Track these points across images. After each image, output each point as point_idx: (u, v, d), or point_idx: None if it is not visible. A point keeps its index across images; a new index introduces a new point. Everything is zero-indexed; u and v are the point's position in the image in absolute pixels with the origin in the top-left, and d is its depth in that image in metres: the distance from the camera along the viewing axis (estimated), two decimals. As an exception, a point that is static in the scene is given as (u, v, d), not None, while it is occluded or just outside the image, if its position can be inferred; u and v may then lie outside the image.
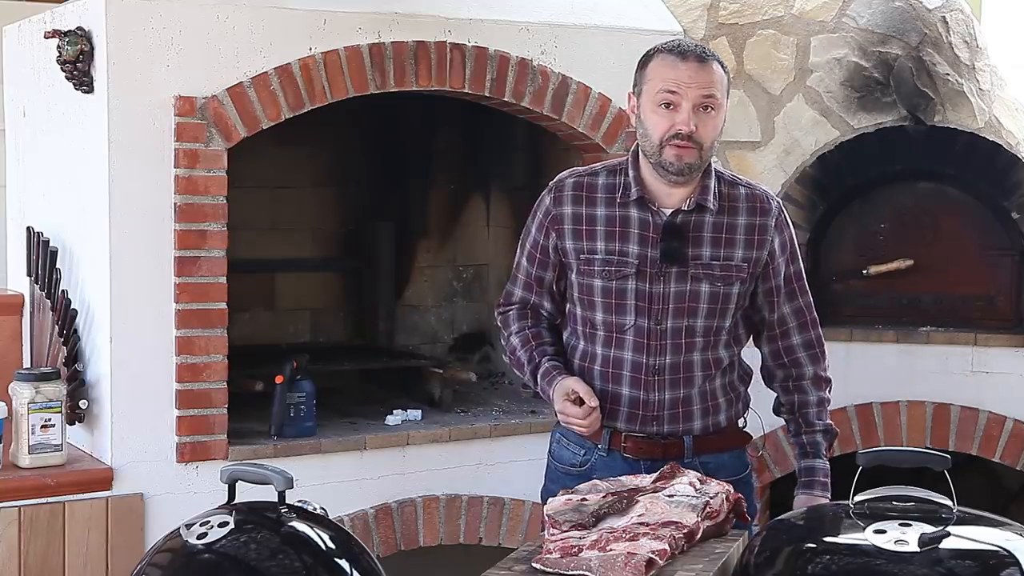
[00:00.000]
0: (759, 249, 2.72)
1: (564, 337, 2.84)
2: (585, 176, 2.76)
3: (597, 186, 2.73)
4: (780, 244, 2.75)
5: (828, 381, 2.85)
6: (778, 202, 2.78)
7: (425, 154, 4.78)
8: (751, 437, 2.88)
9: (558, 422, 2.85)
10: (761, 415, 2.91)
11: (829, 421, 2.82)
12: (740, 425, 2.84)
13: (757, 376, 2.88)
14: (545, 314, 2.85)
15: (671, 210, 2.68)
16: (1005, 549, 2.05)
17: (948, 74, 4.31)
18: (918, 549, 2.02)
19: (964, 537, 2.06)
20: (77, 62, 3.43)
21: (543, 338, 2.82)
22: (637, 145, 2.71)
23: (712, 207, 2.68)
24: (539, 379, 2.77)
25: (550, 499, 2.43)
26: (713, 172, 2.72)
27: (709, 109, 2.61)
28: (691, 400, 2.72)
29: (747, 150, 4.43)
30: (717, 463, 2.74)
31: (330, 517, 2.36)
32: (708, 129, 2.62)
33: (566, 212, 2.73)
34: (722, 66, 2.66)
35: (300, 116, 3.63)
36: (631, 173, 2.69)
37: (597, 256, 2.70)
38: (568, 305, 2.82)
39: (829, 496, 2.74)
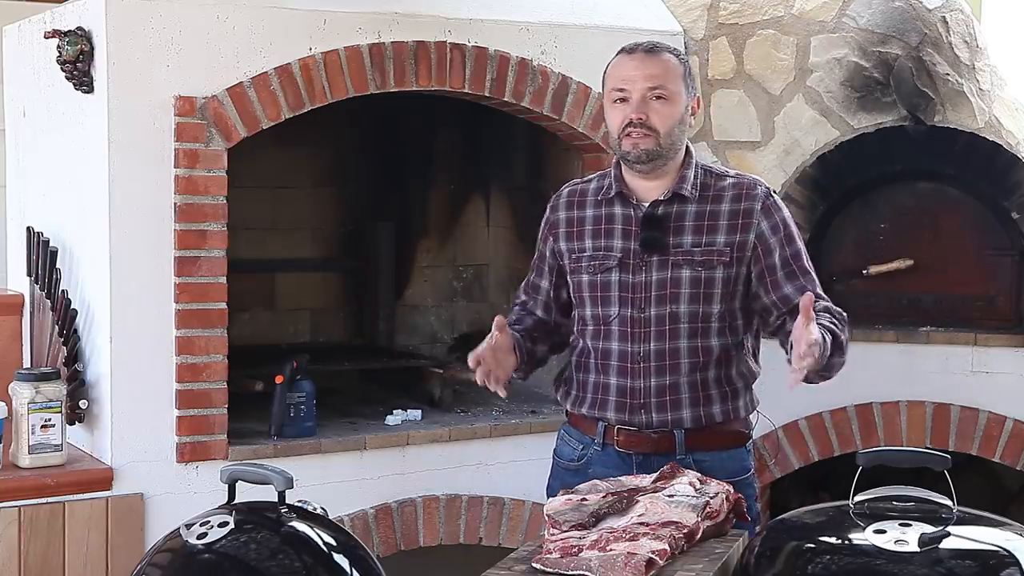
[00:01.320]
0: (743, 233, 2.74)
1: (571, 340, 2.91)
2: (579, 184, 2.92)
3: (588, 191, 2.87)
4: (770, 226, 2.76)
5: (842, 315, 2.70)
6: (767, 188, 2.81)
7: (425, 154, 4.78)
8: (750, 437, 2.86)
9: (565, 420, 2.91)
10: (764, 415, 2.90)
11: (836, 327, 2.63)
12: (743, 428, 2.83)
13: (765, 380, 2.87)
14: (535, 318, 2.95)
15: (650, 202, 2.77)
16: (1005, 549, 2.05)
17: (948, 74, 4.31)
18: (918, 549, 2.02)
19: (964, 537, 2.07)
20: (77, 62, 3.43)
21: (523, 323, 2.92)
22: None
23: (690, 196, 2.75)
24: None
25: (550, 499, 2.44)
26: (694, 164, 2.79)
27: (661, 98, 2.71)
28: (679, 388, 2.74)
29: (747, 150, 4.43)
30: (713, 462, 2.73)
31: (330, 517, 2.37)
32: (662, 116, 2.71)
33: (561, 217, 2.88)
34: (678, 57, 2.77)
35: (300, 116, 3.63)
36: (613, 173, 2.82)
37: (585, 253, 2.81)
38: (574, 310, 2.90)
39: (825, 340, 2.52)
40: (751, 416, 2.85)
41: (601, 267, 2.77)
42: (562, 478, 2.83)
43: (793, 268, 2.77)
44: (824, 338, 2.52)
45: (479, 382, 2.72)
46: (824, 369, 2.60)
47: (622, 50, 2.79)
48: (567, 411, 2.91)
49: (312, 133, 4.27)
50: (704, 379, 2.75)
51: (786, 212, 2.81)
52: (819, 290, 2.79)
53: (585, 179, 2.93)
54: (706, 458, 2.74)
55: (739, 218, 2.75)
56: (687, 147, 2.80)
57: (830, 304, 2.75)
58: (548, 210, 2.92)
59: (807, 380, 2.55)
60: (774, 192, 2.82)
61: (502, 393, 2.73)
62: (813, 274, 2.81)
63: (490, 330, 2.70)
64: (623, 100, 2.72)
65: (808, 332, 2.46)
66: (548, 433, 3.87)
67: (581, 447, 2.84)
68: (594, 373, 2.80)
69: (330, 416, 3.98)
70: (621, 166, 2.81)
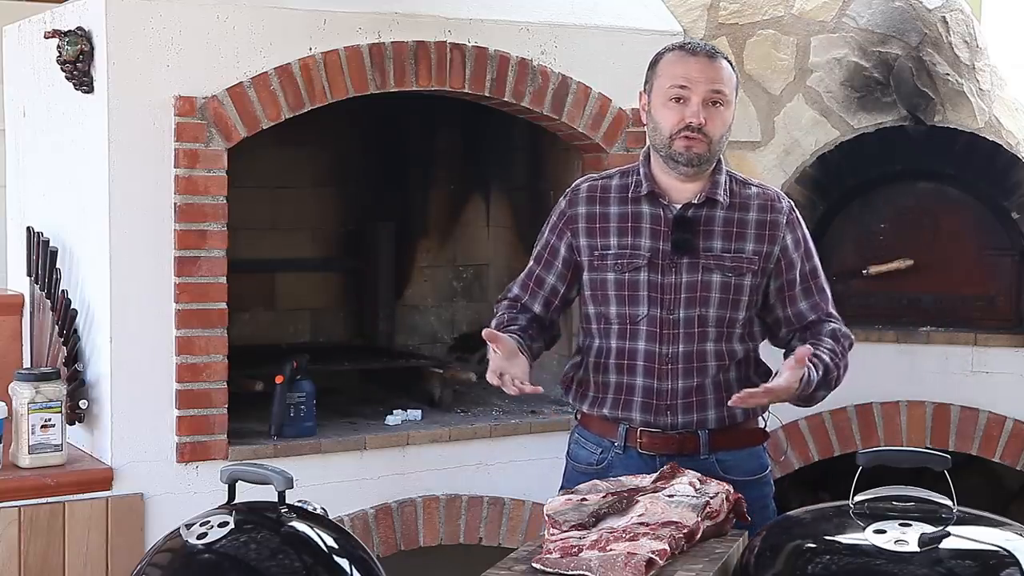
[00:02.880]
0: (770, 244, 2.76)
1: (579, 341, 2.88)
2: (600, 180, 2.85)
3: (611, 187, 2.81)
4: (793, 241, 2.79)
5: (848, 341, 2.80)
6: (790, 202, 2.84)
7: (425, 154, 4.78)
8: (768, 436, 2.89)
9: (577, 422, 2.89)
10: (774, 414, 2.91)
11: (834, 361, 2.72)
12: (760, 424, 2.85)
13: None
14: (531, 314, 2.88)
15: (682, 204, 2.74)
16: (1005, 549, 2.06)
17: (948, 74, 4.31)
18: (918, 549, 2.02)
19: (964, 537, 2.07)
20: (77, 62, 3.43)
21: (517, 322, 2.84)
22: (649, 146, 2.79)
23: (722, 201, 2.74)
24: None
25: (550, 499, 2.43)
26: (724, 170, 2.78)
27: (718, 104, 2.70)
28: (705, 390, 2.74)
29: (747, 150, 4.43)
30: (734, 460, 2.76)
31: (330, 517, 2.37)
32: (717, 123, 2.70)
33: (580, 212, 2.81)
34: (731, 65, 2.75)
35: (300, 116, 3.63)
36: (642, 171, 2.77)
37: (610, 251, 2.76)
38: (582, 308, 2.86)
39: (814, 377, 2.65)
40: (763, 416, 2.86)
41: (629, 265, 2.73)
42: (579, 483, 2.73)
43: (810, 284, 2.82)
44: (810, 375, 2.63)
45: (515, 392, 2.64)
46: (806, 400, 2.72)
47: (679, 48, 2.75)
48: (580, 413, 2.87)
49: (312, 133, 4.27)
50: (727, 380, 2.76)
51: (805, 227, 2.85)
52: (831, 308, 2.84)
53: (604, 175, 2.86)
54: (728, 457, 2.75)
55: (766, 229, 2.76)
56: None
57: (839, 327, 2.81)
58: (564, 203, 2.84)
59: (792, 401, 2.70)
60: (795, 207, 2.84)
61: (529, 389, 2.63)
62: (828, 291, 2.85)
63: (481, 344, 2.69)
64: (681, 100, 2.68)
65: (781, 380, 2.60)
66: (548, 433, 3.88)
67: (600, 450, 2.81)
68: (616, 374, 2.77)
69: (330, 416, 3.98)
70: (651, 163, 2.77)
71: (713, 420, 2.75)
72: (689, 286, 2.72)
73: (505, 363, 2.63)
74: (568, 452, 2.91)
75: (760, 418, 2.85)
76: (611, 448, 2.79)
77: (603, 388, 2.79)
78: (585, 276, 2.81)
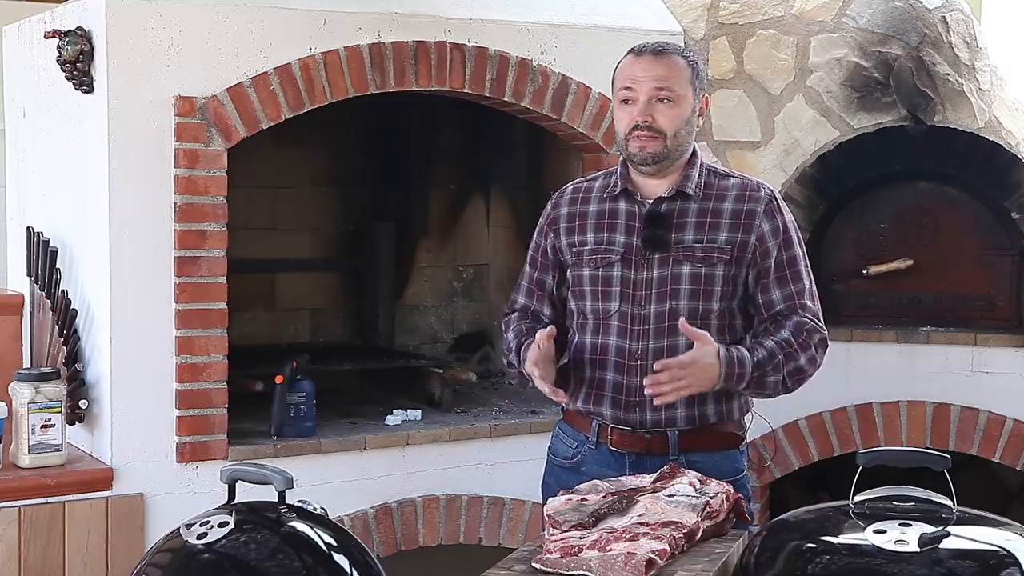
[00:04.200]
0: (745, 233, 2.73)
1: (568, 335, 2.87)
2: (584, 182, 2.91)
3: (593, 188, 2.87)
4: (771, 229, 2.74)
5: (817, 335, 2.75)
6: (771, 190, 2.79)
7: (425, 154, 4.78)
8: (743, 439, 2.84)
9: (562, 415, 2.90)
10: (765, 416, 2.89)
11: (791, 347, 2.70)
12: (736, 430, 2.81)
13: None
14: (544, 319, 2.90)
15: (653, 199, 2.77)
16: (1005, 549, 2.06)
17: (948, 74, 4.31)
18: (918, 549, 2.02)
19: (964, 537, 2.07)
20: (77, 62, 3.43)
21: (535, 332, 2.82)
22: None
23: (694, 193, 2.75)
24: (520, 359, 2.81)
25: (550, 499, 2.44)
26: (699, 163, 2.79)
27: (666, 100, 2.72)
28: None
29: (747, 150, 4.43)
30: (707, 463, 2.70)
31: (330, 517, 2.37)
32: (668, 118, 2.71)
33: (562, 212, 2.87)
34: (686, 59, 2.76)
35: (300, 116, 3.63)
36: (619, 170, 2.82)
37: (587, 247, 2.80)
38: (569, 304, 2.86)
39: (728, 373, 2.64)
40: (745, 417, 2.83)
41: (603, 261, 2.76)
42: (556, 476, 2.84)
43: (786, 274, 2.75)
44: (730, 353, 2.63)
45: (547, 391, 2.68)
46: (757, 385, 2.68)
47: (631, 51, 2.79)
48: (563, 406, 2.88)
49: (312, 133, 4.28)
50: None
51: (788, 216, 2.80)
52: (807, 299, 2.75)
53: (589, 177, 2.92)
54: (699, 459, 2.71)
55: (741, 218, 2.74)
56: (693, 147, 2.79)
57: (806, 322, 2.71)
58: (549, 206, 2.90)
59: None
60: (778, 195, 2.80)
61: (560, 398, 2.71)
62: (806, 281, 2.76)
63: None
64: (630, 101, 2.72)
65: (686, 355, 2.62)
66: (548, 433, 3.87)
67: (575, 444, 2.83)
68: (589, 368, 2.78)
69: (330, 416, 3.98)
70: (627, 164, 2.81)
71: (682, 419, 2.72)
72: (660, 281, 2.72)
73: (544, 363, 2.67)
74: (550, 445, 2.94)
75: (738, 420, 2.81)
76: (585, 443, 2.80)
77: (578, 383, 2.80)
78: (569, 273, 2.84)
